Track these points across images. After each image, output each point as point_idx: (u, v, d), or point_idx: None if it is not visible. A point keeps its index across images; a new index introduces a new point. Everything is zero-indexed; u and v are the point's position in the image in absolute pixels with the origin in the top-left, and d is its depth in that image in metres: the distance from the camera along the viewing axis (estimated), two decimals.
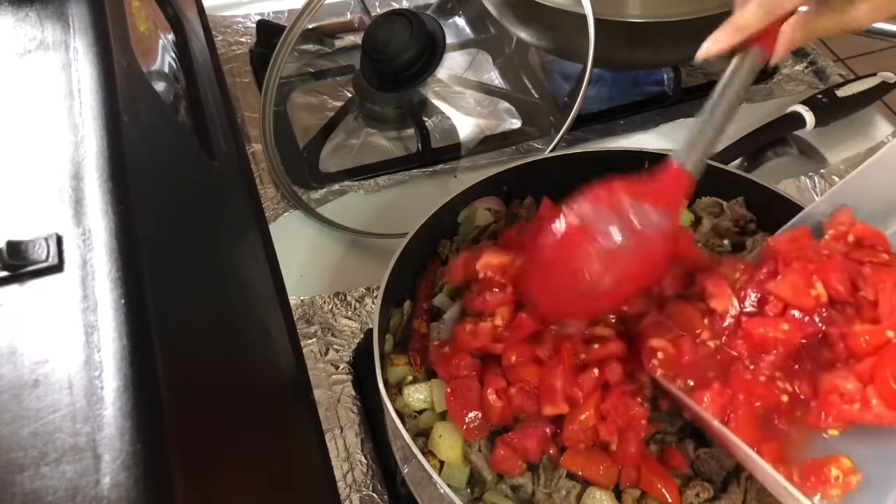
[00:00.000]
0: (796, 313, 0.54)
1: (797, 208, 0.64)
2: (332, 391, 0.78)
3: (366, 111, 1.06)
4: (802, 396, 0.52)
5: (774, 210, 0.66)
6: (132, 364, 0.34)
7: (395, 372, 0.66)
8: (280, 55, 0.99)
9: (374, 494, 0.71)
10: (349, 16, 1.21)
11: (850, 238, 0.57)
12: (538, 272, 0.59)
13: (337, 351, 0.81)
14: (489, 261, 0.65)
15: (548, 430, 0.58)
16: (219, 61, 0.98)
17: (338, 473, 0.71)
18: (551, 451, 0.58)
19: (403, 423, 0.60)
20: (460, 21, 1.22)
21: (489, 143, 1.03)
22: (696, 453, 0.58)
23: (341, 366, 0.80)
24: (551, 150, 0.88)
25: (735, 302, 0.56)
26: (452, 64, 1.11)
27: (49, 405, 0.33)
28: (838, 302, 0.54)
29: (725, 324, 0.56)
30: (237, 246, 0.67)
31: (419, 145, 1.01)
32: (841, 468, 0.48)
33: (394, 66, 0.98)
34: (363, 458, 0.73)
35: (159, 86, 0.62)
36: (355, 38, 1.17)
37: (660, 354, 0.56)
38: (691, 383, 0.54)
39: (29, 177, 0.41)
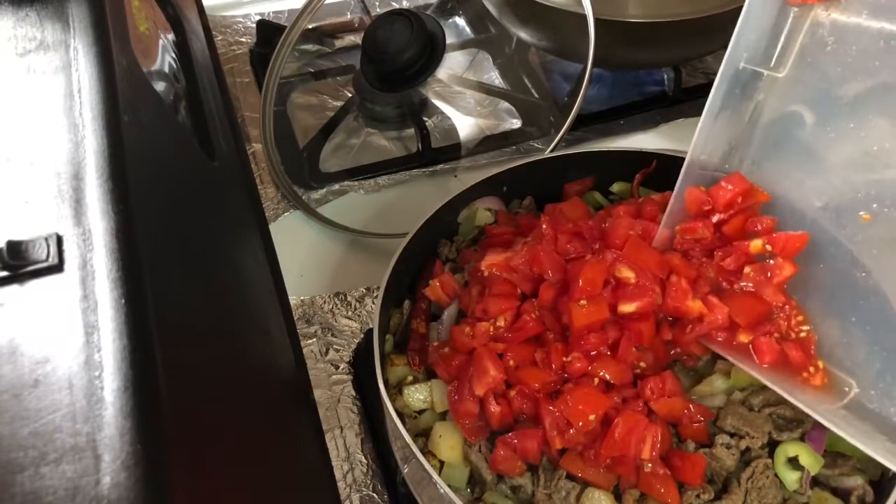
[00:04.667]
0: None
1: None
2: (332, 391, 0.78)
3: (366, 111, 1.06)
4: None
5: None
6: (132, 364, 0.34)
7: (395, 372, 0.66)
8: (280, 55, 0.99)
9: (374, 494, 0.71)
10: (349, 16, 1.21)
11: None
12: None
13: (337, 351, 0.81)
14: (494, 260, 0.65)
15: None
16: (219, 61, 0.98)
17: (338, 473, 0.71)
18: (551, 452, 0.58)
19: (403, 423, 0.60)
20: (460, 21, 1.22)
21: (489, 143, 1.03)
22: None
23: (341, 366, 0.80)
24: (551, 150, 0.88)
25: None
26: (452, 64, 1.11)
27: (49, 405, 0.33)
28: None
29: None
30: (237, 246, 0.67)
31: (419, 145, 1.01)
32: None
33: (394, 66, 0.98)
34: (363, 458, 0.73)
35: (159, 86, 0.62)
36: (355, 38, 1.17)
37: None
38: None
39: (29, 177, 0.41)
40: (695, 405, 0.59)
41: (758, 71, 0.59)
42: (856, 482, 0.57)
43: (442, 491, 0.55)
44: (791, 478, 0.57)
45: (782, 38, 0.58)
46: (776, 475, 0.57)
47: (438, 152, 1.01)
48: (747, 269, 0.59)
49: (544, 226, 0.67)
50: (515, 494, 0.59)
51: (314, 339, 0.82)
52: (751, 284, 0.59)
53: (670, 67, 1.07)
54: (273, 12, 1.22)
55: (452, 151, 1.02)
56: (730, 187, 0.60)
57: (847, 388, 0.56)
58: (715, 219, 0.61)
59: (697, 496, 0.56)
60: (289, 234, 0.92)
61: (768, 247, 0.59)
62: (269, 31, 1.13)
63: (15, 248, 0.37)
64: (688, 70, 1.09)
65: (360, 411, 0.76)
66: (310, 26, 1.12)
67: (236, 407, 0.50)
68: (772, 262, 0.59)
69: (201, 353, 0.46)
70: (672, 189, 0.63)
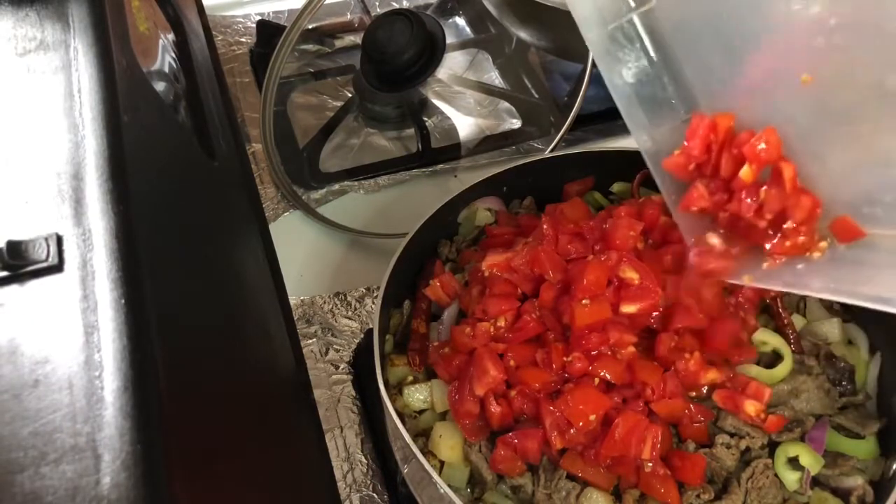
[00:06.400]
0: None
1: None
2: (332, 391, 0.78)
3: (366, 111, 1.06)
4: None
5: None
6: (132, 364, 0.34)
7: (395, 372, 0.66)
8: (280, 55, 0.99)
9: (374, 494, 0.71)
10: (349, 16, 1.21)
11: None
12: None
13: (337, 351, 0.81)
14: (494, 260, 0.65)
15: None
16: (219, 61, 0.98)
17: (338, 473, 0.71)
18: (551, 452, 0.58)
19: (403, 423, 0.60)
20: (460, 21, 1.22)
21: (489, 143, 1.03)
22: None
23: (341, 366, 0.80)
24: (551, 150, 0.88)
25: None
26: (452, 64, 1.11)
27: (49, 405, 0.33)
28: None
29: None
30: (237, 246, 0.67)
31: (419, 145, 1.01)
32: None
33: (394, 66, 0.98)
34: (363, 458, 0.73)
35: (159, 86, 0.62)
36: (355, 38, 1.17)
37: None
38: None
39: (29, 177, 0.41)
40: (695, 405, 0.59)
41: (629, 21, 0.55)
42: (856, 482, 0.57)
43: (442, 491, 0.55)
44: (791, 478, 0.57)
45: None
46: (776, 475, 0.57)
47: (438, 152, 1.01)
48: (762, 192, 0.53)
49: (545, 226, 0.67)
50: (515, 494, 0.59)
51: (314, 339, 0.82)
52: (774, 205, 0.52)
53: None
54: (273, 12, 1.21)
55: (452, 151, 1.02)
56: (696, 133, 0.54)
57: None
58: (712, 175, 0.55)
59: (697, 496, 0.56)
60: (289, 234, 0.92)
61: (754, 166, 0.52)
62: (269, 31, 1.12)
63: (15, 248, 0.37)
64: None
65: (360, 411, 0.76)
66: (310, 26, 1.12)
67: (236, 407, 0.50)
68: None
69: (201, 353, 0.46)
70: None
